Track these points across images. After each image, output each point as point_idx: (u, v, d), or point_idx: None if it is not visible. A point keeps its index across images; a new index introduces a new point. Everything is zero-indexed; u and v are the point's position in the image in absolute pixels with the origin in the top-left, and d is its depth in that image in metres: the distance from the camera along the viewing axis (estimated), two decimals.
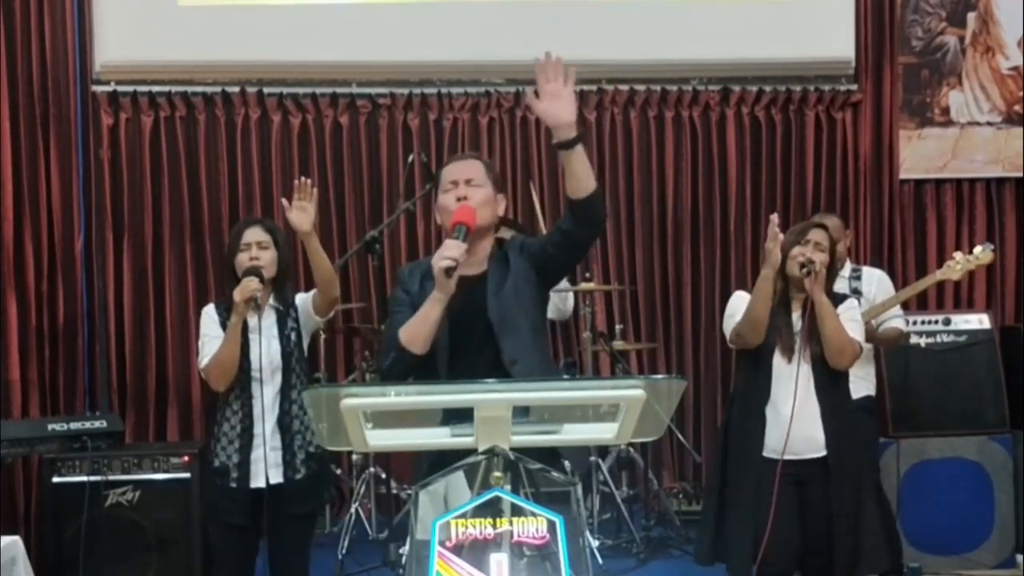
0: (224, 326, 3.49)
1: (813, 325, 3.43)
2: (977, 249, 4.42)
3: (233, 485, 3.50)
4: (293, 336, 3.57)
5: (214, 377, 3.50)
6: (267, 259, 3.51)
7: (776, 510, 3.38)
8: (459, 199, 2.82)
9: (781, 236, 3.44)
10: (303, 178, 3.55)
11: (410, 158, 5.34)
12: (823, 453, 3.48)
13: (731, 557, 3.58)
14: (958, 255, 4.42)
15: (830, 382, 3.51)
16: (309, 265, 3.56)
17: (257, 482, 3.48)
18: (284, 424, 3.51)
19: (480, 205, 2.82)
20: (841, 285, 4.48)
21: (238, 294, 3.39)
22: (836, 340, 3.43)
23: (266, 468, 3.46)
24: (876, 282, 4.60)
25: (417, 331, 2.73)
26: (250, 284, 3.39)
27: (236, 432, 3.52)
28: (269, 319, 3.54)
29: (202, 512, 4.20)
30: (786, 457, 3.42)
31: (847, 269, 4.61)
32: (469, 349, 2.78)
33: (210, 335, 3.54)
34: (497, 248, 2.93)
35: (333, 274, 3.55)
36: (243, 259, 3.50)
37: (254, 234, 3.55)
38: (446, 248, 2.67)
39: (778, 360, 3.49)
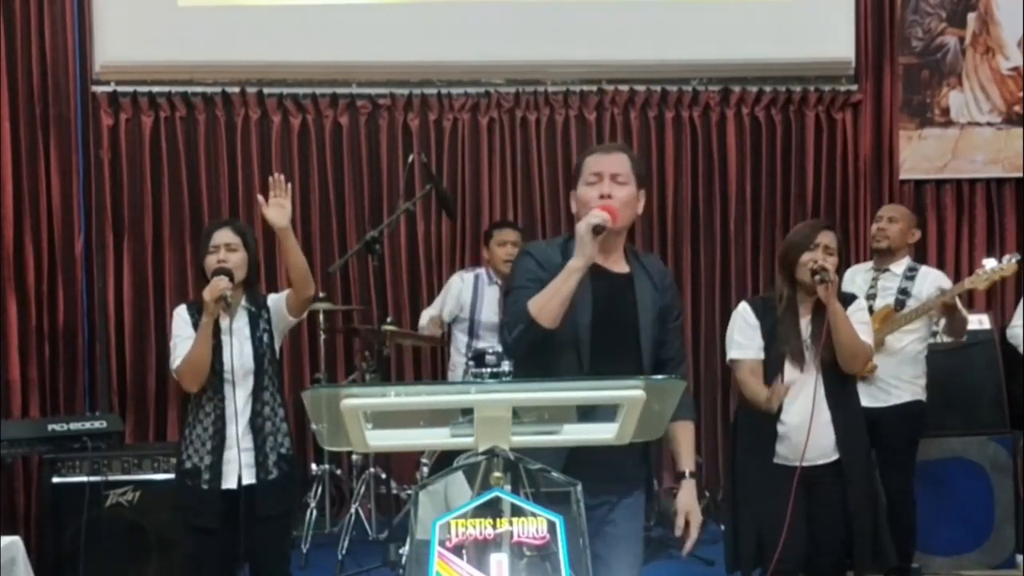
0: (196, 327, 3.47)
1: (824, 332, 3.37)
2: (1005, 259, 4.27)
3: (205, 487, 3.47)
4: (265, 338, 3.55)
5: (186, 378, 3.48)
6: (236, 261, 3.48)
7: (785, 514, 3.36)
8: (602, 196, 2.70)
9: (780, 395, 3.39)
10: (278, 175, 3.55)
11: (410, 158, 5.34)
12: (834, 458, 3.45)
13: (741, 561, 3.58)
14: (987, 263, 4.28)
15: (840, 387, 3.47)
16: (281, 266, 3.53)
17: (229, 483, 3.46)
18: (256, 425, 3.49)
19: (623, 206, 2.72)
20: (892, 282, 4.45)
21: (208, 293, 3.37)
22: (850, 347, 3.38)
23: (239, 469, 3.44)
24: (929, 283, 4.45)
25: (549, 304, 2.59)
26: (219, 283, 3.37)
27: (208, 434, 3.49)
28: (241, 320, 3.52)
29: (174, 515, 4.10)
30: (793, 464, 3.40)
31: (903, 266, 4.52)
32: (613, 345, 2.68)
33: (182, 336, 3.52)
34: (632, 254, 2.85)
35: (308, 272, 3.52)
36: (211, 261, 3.48)
37: (223, 236, 3.52)
38: (593, 214, 2.58)
39: (788, 370, 3.44)
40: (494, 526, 1.90)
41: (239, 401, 3.47)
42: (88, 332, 5.71)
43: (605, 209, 2.64)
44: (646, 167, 2.88)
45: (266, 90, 5.87)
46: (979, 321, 5.08)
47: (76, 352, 5.68)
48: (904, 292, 4.44)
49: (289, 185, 3.52)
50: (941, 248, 6.07)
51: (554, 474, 2.12)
